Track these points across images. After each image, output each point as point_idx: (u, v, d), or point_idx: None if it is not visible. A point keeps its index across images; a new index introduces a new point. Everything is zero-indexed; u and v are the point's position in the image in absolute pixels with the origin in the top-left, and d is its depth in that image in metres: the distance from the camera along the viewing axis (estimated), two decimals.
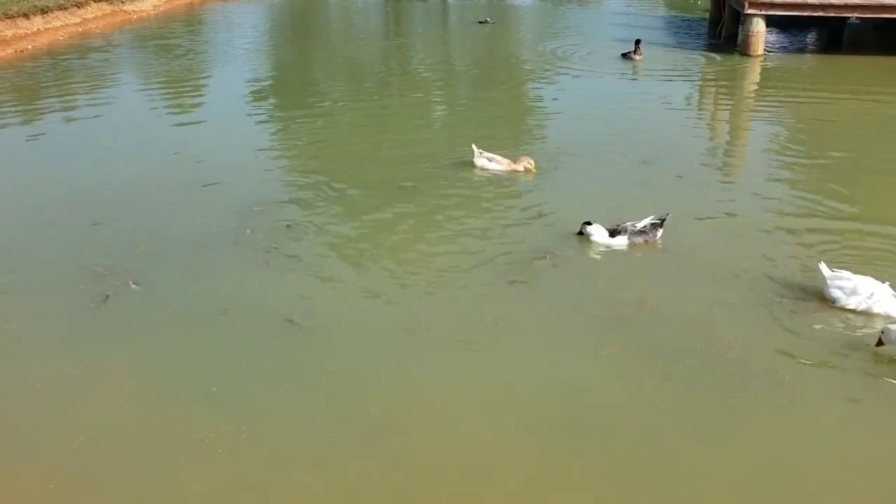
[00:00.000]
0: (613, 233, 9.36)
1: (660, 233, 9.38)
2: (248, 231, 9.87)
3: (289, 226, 10.04)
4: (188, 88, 18.66)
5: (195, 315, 8.03)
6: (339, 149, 13.73)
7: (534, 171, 11.82)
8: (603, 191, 11.28)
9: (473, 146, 12.08)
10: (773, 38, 22.63)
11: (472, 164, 12.05)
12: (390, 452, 6.08)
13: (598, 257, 9.20)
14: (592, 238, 9.39)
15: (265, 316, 7.93)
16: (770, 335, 7.54)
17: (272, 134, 14.98)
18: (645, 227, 9.35)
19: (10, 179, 12.22)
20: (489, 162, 11.90)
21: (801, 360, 7.13)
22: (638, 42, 20.54)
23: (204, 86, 19.28)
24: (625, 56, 20.49)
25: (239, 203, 10.84)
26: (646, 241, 9.33)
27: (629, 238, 9.31)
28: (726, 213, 10.50)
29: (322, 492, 5.71)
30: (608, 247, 9.33)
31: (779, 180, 11.85)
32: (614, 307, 8.02)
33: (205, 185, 11.63)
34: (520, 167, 11.82)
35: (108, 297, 8.35)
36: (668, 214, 9.52)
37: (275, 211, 10.57)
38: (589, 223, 9.44)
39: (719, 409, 6.54)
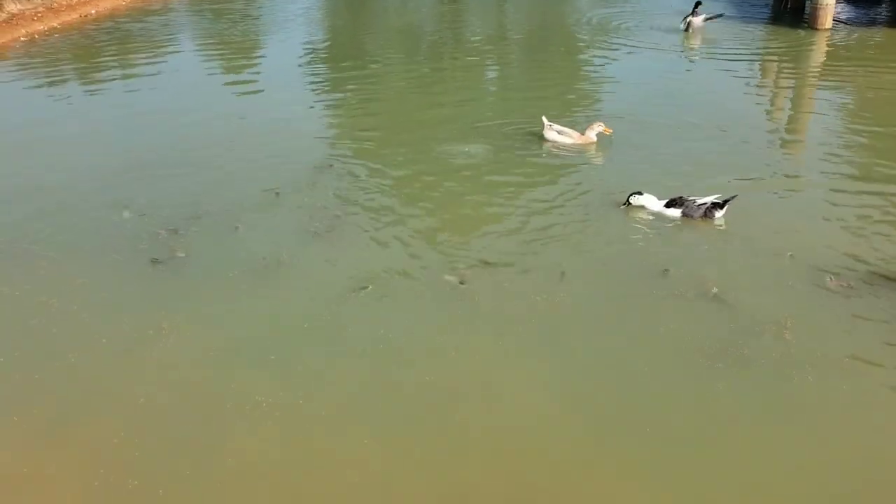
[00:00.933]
0: (671, 204, 9.26)
1: (720, 213, 9.16)
2: (304, 198, 9.97)
3: (336, 194, 10.09)
4: (244, 52, 18.82)
5: (254, 279, 8.14)
6: (394, 117, 13.72)
7: (608, 131, 11.56)
8: (666, 163, 11.05)
9: (544, 118, 11.81)
10: (841, 10, 21.78)
11: (540, 136, 11.80)
12: (442, 422, 6.13)
13: (656, 232, 9.04)
14: (647, 206, 9.31)
15: (323, 283, 8.01)
16: (838, 320, 7.33)
17: (327, 100, 15.01)
18: (705, 204, 9.16)
19: (72, 140, 12.51)
20: (559, 135, 11.62)
21: (874, 349, 6.89)
22: (697, 4, 19.90)
23: (259, 50, 19.43)
24: (686, 25, 19.93)
25: (296, 169, 10.94)
26: (703, 218, 9.15)
27: (684, 211, 9.17)
28: (793, 189, 10.25)
29: (378, 456, 5.79)
30: (661, 215, 9.24)
31: (848, 158, 11.42)
32: (670, 285, 7.89)
33: (261, 149, 11.76)
34: (592, 137, 11.56)
35: (168, 258, 8.54)
36: (734, 196, 9.25)
37: (329, 178, 10.63)
38: (639, 193, 9.36)
39: (777, 392, 6.40)
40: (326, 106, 14.57)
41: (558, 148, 11.56)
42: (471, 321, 7.39)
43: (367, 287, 7.90)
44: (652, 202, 9.30)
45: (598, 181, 10.41)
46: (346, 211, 9.61)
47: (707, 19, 19.90)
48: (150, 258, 8.57)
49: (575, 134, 11.63)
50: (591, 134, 11.53)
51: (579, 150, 11.52)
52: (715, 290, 7.77)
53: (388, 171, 10.93)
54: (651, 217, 9.31)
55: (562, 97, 15.01)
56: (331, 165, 11.10)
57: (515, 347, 7.02)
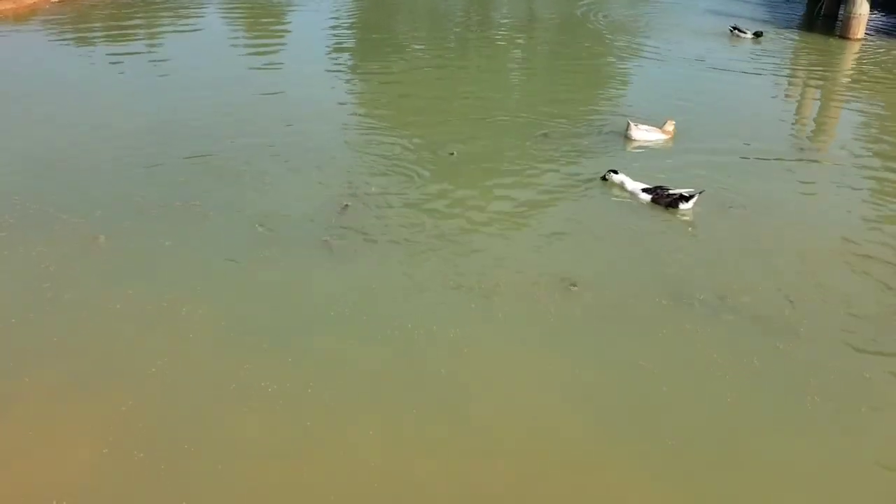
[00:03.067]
0: (647, 190, 9.88)
1: (686, 205, 9.60)
2: (329, 177, 9.96)
3: (360, 176, 10.07)
4: (270, 23, 18.81)
5: (274, 258, 8.10)
6: (415, 99, 13.67)
7: (675, 130, 11.97)
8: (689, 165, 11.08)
9: (629, 120, 11.97)
10: (875, 21, 21.48)
11: (623, 136, 11.92)
12: (452, 414, 6.10)
13: (671, 234, 9.02)
14: (625, 185, 9.94)
15: (342, 271, 7.94)
16: (857, 331, 7.28)
17: (351, 79, 14.96)
18: (674, 194, 9.66)
19: (94, 102, 12.52)
20: (647, 133, 11.86)
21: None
22: (759, 34, 19.64)
23: (285, 20, 19.43)
24: (736, 32, 19.71)
25: (322, 144, 10.92)
26: (668, 206, 9.60)
27: (654, 198, 9.73)
28: (811, 192, 10.32)
29: (384, 444, 5.77)
30: (634, 196, 9.81)
31: (871, 164, 11.42)
32: (685, 290, 7.82)
33: (284, 122, 11.78)
34: (671, 130, 11.90)
35: (187, 228, 8.54)
36: (701, 191, 9.68)
37: (355, 158, 10.62)
38: (615, 171, 10.08)
39: (789, 407, 6.34)
40: (352, 83, 14.54)
41: (645, 144, 11.75)
42: (487, 317, 7.32)
43: (385, 278, 7.86)
44: (627, 181, 9.95)
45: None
46: (370, 194, 9.56)
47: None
48: (168, 226, 8.58)
49: (659, 130, 11.92)
50: (670, 128, 11.96)
51: (660, 144, 11.81)
52: (729, 296, 7.72)
53: (411, 156, 10.87)
54: (622, 191, 9.87)
55: (588, 96, 14.93)
56: (357, 144, 11.10)
57: (529, 345, 6.98)
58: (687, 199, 9.58)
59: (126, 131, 11.26)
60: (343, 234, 8.61)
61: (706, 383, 6.58)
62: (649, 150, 11.61)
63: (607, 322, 7.36)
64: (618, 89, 15.33)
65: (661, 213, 9.49)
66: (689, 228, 9.24)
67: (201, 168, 10.09)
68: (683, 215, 9.47)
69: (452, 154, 10.99)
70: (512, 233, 8.89)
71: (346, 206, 9.07)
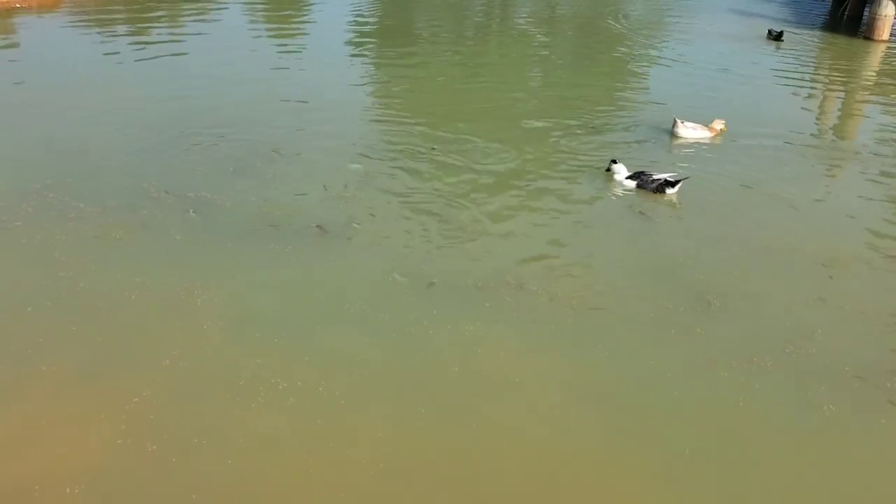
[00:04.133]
0: (630, 176, 10.09)
1: (671, 190, 9.79)
2: (342, 171, 9.99)
3: (372, 175, 10.08)
4: (289, 16, 18.81)
5: (292, 251, 8.13)
6: (429, 94, 13.66)
7: (725, 130, 12.13)
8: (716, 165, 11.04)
9: (675, 117, 12.11)
10: None
11: (669, 132, 12.12)
12: (464, 414, 6.10)
13: (683, 234, 8.96)
14: (617, 175, 10.11)
15: (358, 268, 7.94)
16: (870, 338, 7.22)
17: (368, 71, 14.98)
18: (658, 180, 9.83)
19: (115, 93, 12.59)
20: (693, 131, 12.07)
21: None
22: (781, 33, 19.55)
23: (306, 11, 19.44)
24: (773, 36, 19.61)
25: (334, 139, 10.93)
26: (654, 191, 9.83)
27: (639, 184, 9.96)
28: (827, 195, 10.31)
29: (391, 440, 5.78)
30: (622, 185, 10.06)
31: (890, 168, 11.32)
32: (698, 292, 7.77)
33: (297, 115, 11.79)
34: (718, 129, 12.10)
35: (203, 221, 8.58)
36: (686, 177, 9.86)
37: (367, 152, 10.63)
38: (615, 161, 10.26)
39: (799, 413, 6.29)
40: (370, 75, 14.54)
41: (689, 140, 11.94)
42: (500, 316, 7.31)
43: (399, 273, 7.86)
44: (622, 171, 10.15)
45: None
46: (386, 188, 9.58)
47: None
48: (182, 217, 8.62)
49: (705, 128, 12.12)
50: (717, 126, 12.15)
51: (706, 141, 11.97)
52: (742, 297, 7.67)
53: (427, 147, 10.88)
54: (617, 181, 10.05)
55: (608, 96, 14.86)
56: (373, 136, 11.12)
57: (540, 345, 6.96)
58: (672, 184, 9.78)
59: (144, 121, 11.34)
60: (357, 228, 8.63)
61: (717, 386, 6.54)
62: (686, 147, 11.72)
63: (619, 323, 7.34)
64: (646, 87, 15.25)
65: (676, 213, 9.46)
66: (707, 228, 9.17)
67: (216, 158, 10.14)
68: (682, 210, 9.48)
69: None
70: (529, 230, 8.87)
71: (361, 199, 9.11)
